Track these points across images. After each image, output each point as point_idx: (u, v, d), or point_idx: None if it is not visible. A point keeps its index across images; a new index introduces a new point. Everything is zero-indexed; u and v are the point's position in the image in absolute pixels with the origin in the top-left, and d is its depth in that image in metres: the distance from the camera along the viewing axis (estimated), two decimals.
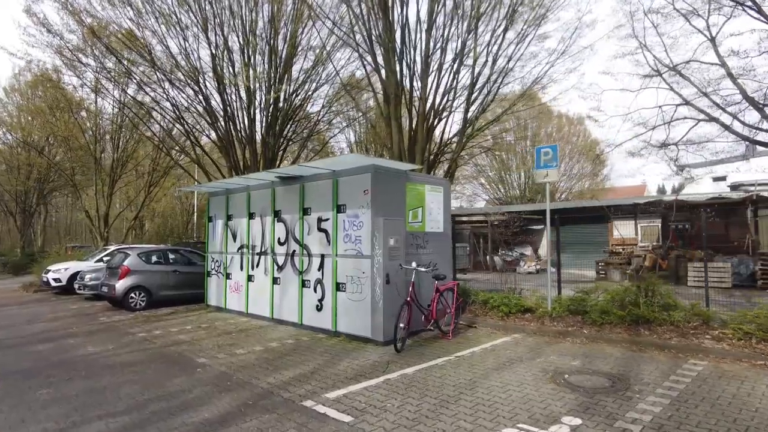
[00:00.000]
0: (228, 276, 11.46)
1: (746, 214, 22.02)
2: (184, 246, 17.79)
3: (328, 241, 8.75)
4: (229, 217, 11.60)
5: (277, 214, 10.05)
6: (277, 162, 17.45)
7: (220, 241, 11.84)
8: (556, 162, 9.20)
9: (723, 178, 37.46)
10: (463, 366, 6.46)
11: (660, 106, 10.36)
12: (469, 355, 7.05)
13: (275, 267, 9.97)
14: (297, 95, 16.48)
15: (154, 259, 12.71)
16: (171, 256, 13.12)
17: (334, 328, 8.47)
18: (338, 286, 8.47)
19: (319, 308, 8.86)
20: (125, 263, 11.97)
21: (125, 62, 15.13)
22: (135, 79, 16.87)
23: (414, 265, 7.81)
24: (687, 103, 9.76)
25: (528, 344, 7.75)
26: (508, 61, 11.65)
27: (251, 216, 10.81)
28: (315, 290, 8.97)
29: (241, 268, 11.01)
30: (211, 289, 12.12)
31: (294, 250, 9.52)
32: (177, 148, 18.02)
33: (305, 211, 9.31)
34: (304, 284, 9.23)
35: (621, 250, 22.25)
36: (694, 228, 22.92)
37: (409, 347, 7.51)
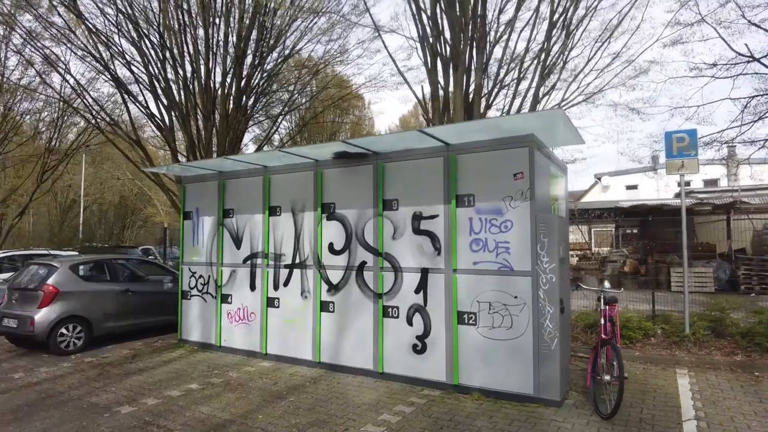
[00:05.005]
0: (225, 299, 7.85)
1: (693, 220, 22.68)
2: (87, 251, 13.17)
3: (436, 249, 5.88)
4: (226, 213, 7.99)
5: (326, 209, 6.86)
6: (242, 143, 13.71)
7: (208, 247, 8.16)
8: (695, 150, 7.39)
9: (635, 187, 40.58)
10: None
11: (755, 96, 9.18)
12: (705, 416, 4.78)
13: (324, 286, 6.77)
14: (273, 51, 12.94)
15: (93, 273, 8.51)
16: (118, 269, 8.96)
17: (455, 381, 5.63)
18: (460, 318, 5.66)
19: (419, 349, 5.94)
20: (50, 281, 7.69)
21: None
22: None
23: (607, 285, 5.34)
24: None
25: (724, 386, 5.71)
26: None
27: (272, 211, 7.42)
28: (410, 322, 6.03)
29: (252, 288, 7.54)
30: (189, 318, 8.34)
31: (364, 262, 6.45)
32: (101, 115, 13.06)
33: (387, 205, 6.31)
34: (385, 313, 6.22)
35: (589, 254, 21.90)
36: (646, 233, 23.44)
37: (583, 403, 5.07)
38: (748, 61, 9.39)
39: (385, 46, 11.17)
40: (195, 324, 8.24)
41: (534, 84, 9.46)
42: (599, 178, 40.25)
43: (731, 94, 13.86)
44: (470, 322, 5.60)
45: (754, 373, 6.19)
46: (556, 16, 8.97)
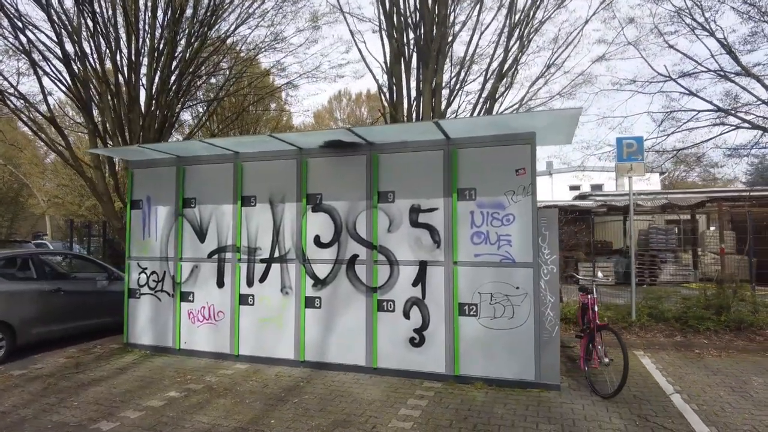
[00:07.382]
0: (185, 297, 7.13)
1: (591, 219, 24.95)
2: None
3: (435, 242, 5.90)
4: (186, 203, 7.25)
5: (312, 200, 6.53)
6: (172, 129, 12.55)
7: (164, 240, 7.34)
8: (642, 155, 8.25)
9: None
10: (713, 408, 4.77)
11: (674, 111, 10.53)
12: (682, 389, 5.39)
13: (309, 281, 6.45)
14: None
15: (16, 270, 7.22)
16: (46, 265, 7.68)
17: (456, 372, 5.70)
18: (461, 309, 5.74)
19: (416, 342, 5.91)
20: None
21: None
22: None
23: (600, 276, 5.73)
24: (720, 110, 10.10)
25: (679, 363, 6.48)
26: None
27: (246, 201, 6.88)
28: (407, 315, 5.97)
29: (220, 284, 6.94)
30: (138, 319, 7.43)
31: (356, 255, 6.25)
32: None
33: (382, 197, 6.18)
34: (380, 307, 6.10)
35: None
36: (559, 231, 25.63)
37: (577, 386, 5.45)
38: (665, 81, 10.75)
39: (350, 30, 10.57)
40: (146, 326, 7.37)
41: (489, 85, 9.91)
42: None
43: (650, 109, 15.78)
44: (471, 313, 5.70)
45: (695, 351, 7.10)
46: (517, 16, 9.49)
